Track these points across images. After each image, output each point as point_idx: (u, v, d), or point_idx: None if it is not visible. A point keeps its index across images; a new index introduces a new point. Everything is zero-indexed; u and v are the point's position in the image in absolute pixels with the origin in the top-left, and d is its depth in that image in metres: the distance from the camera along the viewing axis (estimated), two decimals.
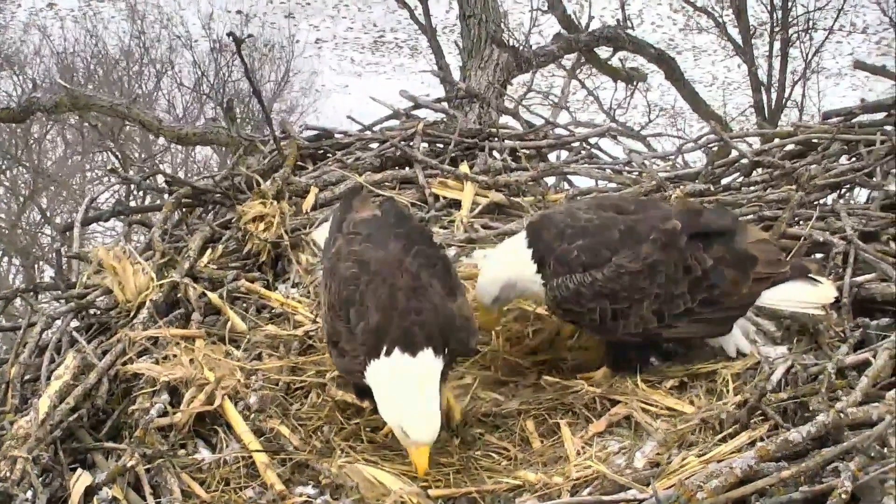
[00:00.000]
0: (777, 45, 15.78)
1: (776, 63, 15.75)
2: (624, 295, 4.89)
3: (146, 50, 23.23)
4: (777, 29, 15.83)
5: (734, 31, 16.53)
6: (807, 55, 16.12)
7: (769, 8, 16.06)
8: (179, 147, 21.02)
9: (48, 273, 17.76)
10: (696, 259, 4.92)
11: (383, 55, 27.61)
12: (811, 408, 4.41)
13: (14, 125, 19.46)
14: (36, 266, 18.96)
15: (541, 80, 14.26)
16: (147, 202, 12.61)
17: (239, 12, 26.42)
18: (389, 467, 4.53)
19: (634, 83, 14.64)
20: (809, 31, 16.27)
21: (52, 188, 20.74)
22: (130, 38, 23.43)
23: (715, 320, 5.03)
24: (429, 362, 4.35)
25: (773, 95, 15.69)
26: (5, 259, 20.35)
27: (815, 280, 5.14)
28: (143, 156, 19.07)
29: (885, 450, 4.01)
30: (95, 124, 17.11)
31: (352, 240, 4.82)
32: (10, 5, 27.34)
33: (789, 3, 15.82)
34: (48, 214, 20.36)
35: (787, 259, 5.26)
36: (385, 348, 4.35)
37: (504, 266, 5.08)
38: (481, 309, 5.12)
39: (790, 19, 15.87)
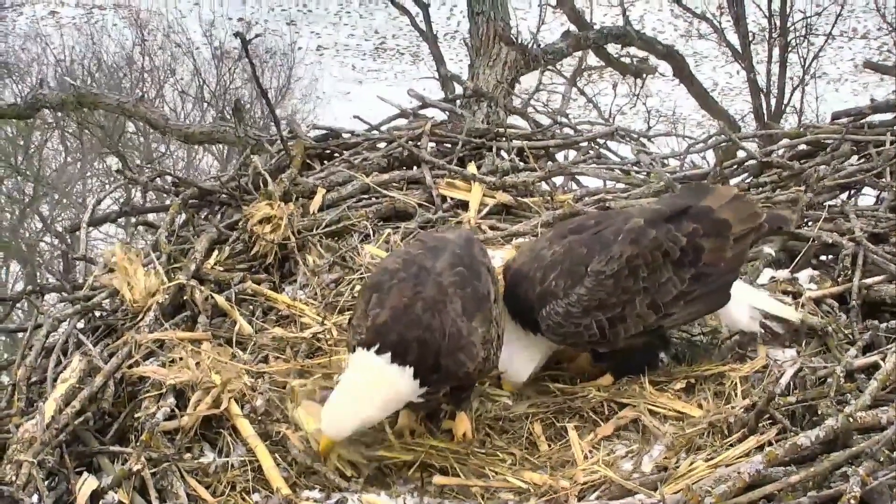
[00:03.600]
0: (776, 50, 15.78)
1: (775, 69, 15.75)
2: (613, 301, 4.89)
3: (150, 57, 23.23)
4: (776, 35, 15.84)
5: (734, 37, 16.53)
6: (805, 60, 16.12)
7: (768, 14, 16.07)
8: (181, 153, 21.08)
9: (50, 279, 17.76)
10: (671, 240, 4.94)
11: (384, 62, 27.64)
12: (820, 412, 4.42)
13: (14, 133, 19.51)
14: (37, 273, 18.95)
15: (541, 86, 14.27)
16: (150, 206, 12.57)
17: (241, 19, 26.47)
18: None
19: (644, 76, 14.64)
20: (808, 37, 16.28)
21: (54, 196, 20.74)
22: (133, 45, 23.43)
23: (711, 293, 5.05)
24: (402, 381, 4.46)
25: (773, 101, 15.69)
26: (5, 266, 20.35)
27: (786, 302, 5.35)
28: (144, 161, 19.04)
29: (895, 454, 4.00)
30: (103, 125, 17.10)
31: (415, 244, 5.05)
32: (11, 13, 27.35)
33: (788, 9, 15.82)
34: (49, 222, 20.36)
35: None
36: (378, 346, 4.46)
37: (527, 350, 5.10)
38: (508, 385, 5.15)
39: (789, 25, 15.87)
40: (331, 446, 4.53)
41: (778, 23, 15.87)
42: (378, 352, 4.46)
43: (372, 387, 4.45)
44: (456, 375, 4.58)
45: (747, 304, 5.18)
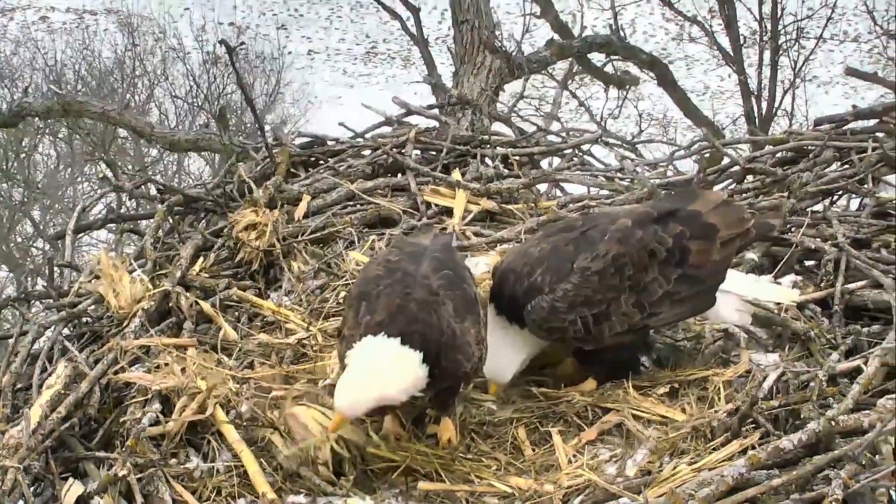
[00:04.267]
0: (767, 54, 15.79)
1: (766, 72, 15.76)
2: (598, 297, 4.89)
3: (141, 62, 23.18)
4: (766, 38, 15.84)
5: (725, 41, 16.54)
6: (795, 64, 16.11)
7: (758, 17, 16.07)
8: (172, 158, 21.04)
9: (41, 284, 17.71)
10: (658, 241, 4.95)
11: (376, 66, 27.64)
12: (802, 415, 4.43)
13: (3, 138, 19.45)
14: (30, 278, 18.90)
15: (532, 90, 14.28)
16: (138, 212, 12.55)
17: (231, 24, 26.45)
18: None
19: (627, 88, 14.67)
20: (798, 41, 16.28)
21: (45, 201, 20.69)
22: (125, 49, 23.39)
23: (696, 295, 5.07)
24: (415, 362, 4.38)
25: (764, 104, 15.69)
26: None
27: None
28: (135, 168, 19.02)
29: (876, 458, 4.02)
30: (88, 132, 17.06)
31: (392, 251, 5.02)
32: (2, 18, 27.32)
33: (778, 13, 15.83)
34: (41, 227, 20.31)
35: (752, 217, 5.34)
36: (383, 333, 4.40)
37: (511, 348, 5.09)
38: (493, 385, 5.14)
39: (779, 28, 15.88)
40: (343, 423, 4.47)
41: (769, 26, 15.87)
42: (386, 336, 4.40)
43: (386, 364, 4.36)
44: (454, 375, 4.59)
45: (738, 297, 5.20)
